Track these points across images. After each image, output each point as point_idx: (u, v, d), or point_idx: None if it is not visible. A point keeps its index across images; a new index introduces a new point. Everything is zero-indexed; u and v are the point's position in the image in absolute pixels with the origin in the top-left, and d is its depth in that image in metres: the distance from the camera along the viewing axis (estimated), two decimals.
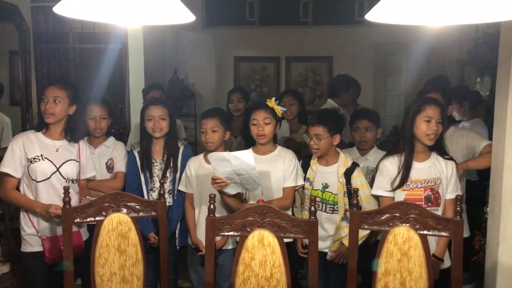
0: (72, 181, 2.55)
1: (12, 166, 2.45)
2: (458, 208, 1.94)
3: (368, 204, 2.50)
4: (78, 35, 4.99)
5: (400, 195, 2.39)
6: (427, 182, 2.38)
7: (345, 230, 2.53)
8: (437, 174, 2.39)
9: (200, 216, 2.70)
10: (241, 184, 2.35)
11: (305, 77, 6.02)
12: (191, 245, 2.77)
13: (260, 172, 2.31)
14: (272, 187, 2.56)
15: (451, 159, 2.45)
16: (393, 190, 2.40)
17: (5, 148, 2.53)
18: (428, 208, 2.28)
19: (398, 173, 2.39)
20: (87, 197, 2.59)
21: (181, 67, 5.90)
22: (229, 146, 3.26)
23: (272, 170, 2.57)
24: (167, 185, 2.79)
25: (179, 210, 2.79)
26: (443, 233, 1.96)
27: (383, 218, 2.00)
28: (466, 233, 2.86)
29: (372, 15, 1.28)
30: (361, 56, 5.78)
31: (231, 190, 2.39)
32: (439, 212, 2.35)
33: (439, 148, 2.43)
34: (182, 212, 2.80)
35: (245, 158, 2.23)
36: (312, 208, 1.96)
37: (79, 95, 2.60)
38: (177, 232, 2.82)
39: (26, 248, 2.52)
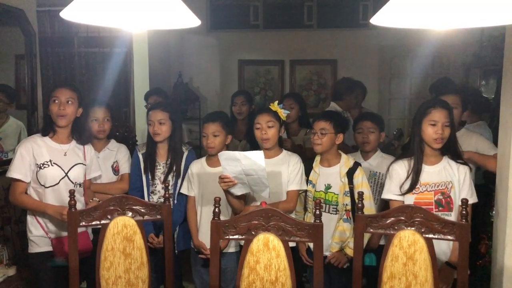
0: (80, 184, 2.57)
1: (22, 171, 2.46)
2: (464, 212, 1.93)
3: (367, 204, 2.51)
4: (83, 39, 5.02)
5: (409, 199, 2.36)
6: (437, 186, 2.35)
7: (347, 232, 2.54)
8: (448, 178, 2.35)
9: (202, 219, 2.71)
10: (249, 185, 2.35)
11: (309, 81, 6.03)
12: (193, 248, 2.78)
13: None
14: (277, 190, 2.56)
15: (465, 163, 2.40)
16: (403, 194, 2.37)
17: None
18: (439, 213, 2.27)
19: (408, 177, 2.36)
20: (94, 199, 2.60)
21: (185, 71, 5.92)
22: (233, 150, 3.26)
23: (277, 173, 2.57)
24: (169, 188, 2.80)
25: (179, 214, 2.79)
26: (449, 237, 1.95)
27: (388, 221, 1.99)
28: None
29: (378, 19, 1.28)
30: (365, 59, 5.78)
31: (238, 190, 2.39)
32: (451, 217, 2.30)
33: (452, 151, 2.39)
34: (182, 216, 2.81)
35: (256, 158, 2.23)
36: (317, 212, 1.96)
37: (83, 99, 2.63)
38: (175, 236, 2.82)
39: (34, 249, 2.53)
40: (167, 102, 3.31)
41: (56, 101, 2.47)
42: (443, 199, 2.34)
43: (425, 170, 2.36)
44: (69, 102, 2.48)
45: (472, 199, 2.35)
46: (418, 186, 2.35)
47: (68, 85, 2.61)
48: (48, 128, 2.54)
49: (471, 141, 2.84)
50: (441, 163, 2.38)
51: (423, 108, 2.37)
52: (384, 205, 2.64)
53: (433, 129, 2.30)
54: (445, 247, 2.31)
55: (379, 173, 2.83)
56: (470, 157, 2.67)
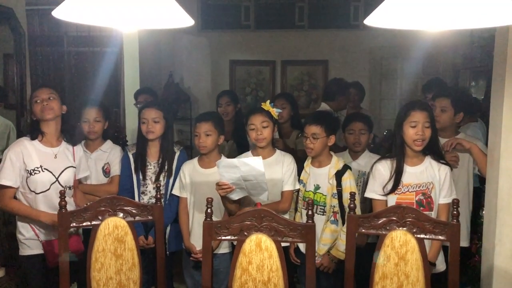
0: (70, 187, 2.54)
1: (12, 177, 2.41)
2: (455, 212, 1.95)
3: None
4: (73, 38, 4.98)
5: (392, 199, 2.41)
6: (418, 187, 2.40)
7: (334, 234, 2.55)
8: (429, 179, 2.40)
9: (194, 220, 2.70)
10: (247, 190, 2.35)
11: (300, 81, 6.03)
12: (185, 249, 2.76)
13: None
14: (271, 191, 2.56)
15: (446, 164, 2.45)
16: (385, 194, 2.41)
17: None
18: None
19: (390, 178, 2.41)
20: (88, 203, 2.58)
21: (176, 71, 5.89)
22: (221, 151, 3.25)
23: (271, 174, 2.56)
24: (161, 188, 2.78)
25: (170, 215, 2.77)
26: (440, 237, 1.97)
27: (380, 221, 2.00)
28: (467, 243, 2.85)
29: (371, 20, 1.28)
30: (356, 60, 5.80)
31: (235, 195, 2.39)
32: (432, 217, 2.35)
33: (434, 152, 2.44)
34: (173, 217, 2.79)
35: (255, 164, 2.24)
36: (309, 212, 1.96)
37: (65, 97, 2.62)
38: (167, 237, 2.81)
39: (25, 251, 2.49)
40: (159, 101, 3.28)
41: (38, 101, 2.44)
42: (424, 199, 2.39)
43: (407, 171, 2.41)
44: (51, 98, 2.45)
45: (452, 197, 2.39)
46: (400, 186, 2.40)
47: (45, 85, 2.59)
48: (36, 132, 2.49)
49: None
50: (423, 164, 2.42)
51: (403, 110, 2.42)
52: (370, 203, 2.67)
53: (413, 130, 2.34)
54: (426, 244, 2.33)
55: (368, 172, 2.85)
56: (471, 148, 2.69)
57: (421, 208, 2.36)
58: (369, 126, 3.01)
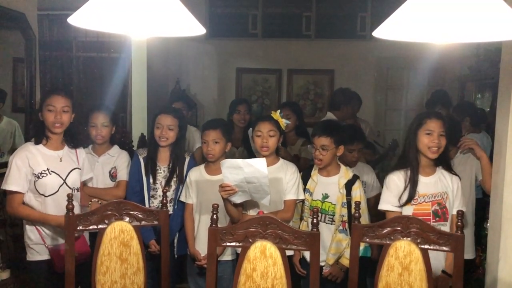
0: (77, 189, 2.56)
1: (19, 183, 2.41)
2: (460, 223, 1.95)
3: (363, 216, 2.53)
4: (82, 43, 5.02)
5: (408, 210, 2.37)
6: (434, 197, 2.38)
7: (343, 243, 2.55)
8: (443, 189, 2.39)
9: (199, 226, 2.70)
10: (249, 193, 2.36)
11: (306, 90, 6.06)
12: (189, 256, 2.77)
13: None
14: (274, 199, 2.57)
15: (456, 174, 2.45)
16: (402, 206, 2.38)
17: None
18: (436, 223, 2.30)
19: (405, 188, 2.38)
20: (93, 200, 2.59)
21: (183, 78, 5.93)
22: (231, 157, 3.26)
23: (274, 182, 2.57)
24: (170, 194, 2.80)
25: (179, 220, 2.79)
26: (444, 248, 1.97)
27: (384, 231, 2.01)
28: (472, 255, 2.85)
29: (379, 32, 1.30)
30: (362, 70, 5.82)
31: (238, 198, 2.40)
32: (447, 227, 2.34)
33: (444, 162, 2.44)
34: (182, 222, 2.80)
35: (258, 165, 2.25)
36: (315, 220, 1.97)
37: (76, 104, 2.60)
38: (175, 241, 2.82)
39: (33, 256, 2.50)
40: (176, 109, 3.27)
41: (52, 110, 2.42)
42: (439, 210, 2.38)
43: (422, 181, 2.39)
44: (65, 110, 2.44)
45: (464, 208, 2.38)
46: (416, 197, 2.37)
47: (62, 91, 2.53)
48: (41, 136, 2.49)
49: (468, 161, 2.86)
50: (435, 174, 2.42)
51: (418, 119, 2.41)
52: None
53: (429, 138, 2.34)
54: (441, 255, 2.33)
55: (362, 181, 2.88)
56: (481, 157, 2.69)
57: (437, 219, 2.36)
58: (364, 142, 3.12)
